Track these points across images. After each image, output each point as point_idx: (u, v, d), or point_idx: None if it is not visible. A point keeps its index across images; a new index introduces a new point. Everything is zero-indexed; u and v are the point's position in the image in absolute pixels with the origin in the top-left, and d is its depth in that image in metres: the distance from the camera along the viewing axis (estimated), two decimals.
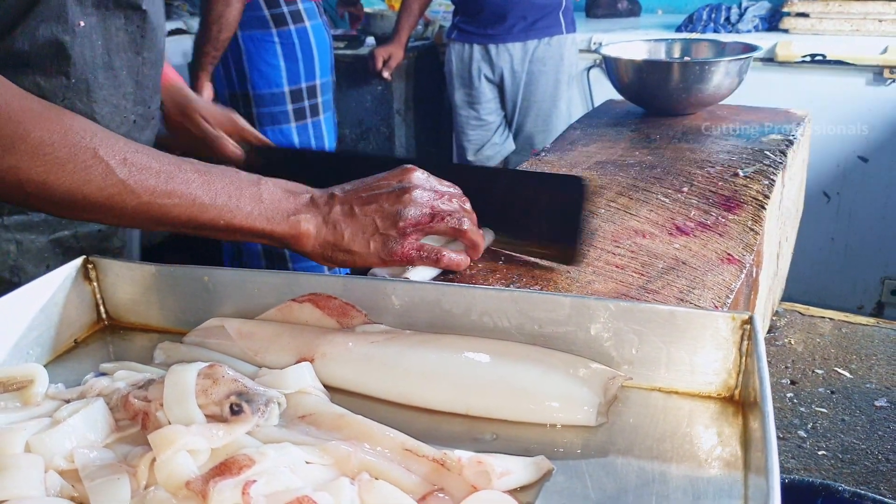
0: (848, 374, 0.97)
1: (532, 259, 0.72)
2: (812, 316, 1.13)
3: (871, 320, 1.12)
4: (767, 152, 1.03)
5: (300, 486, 0.41)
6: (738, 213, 0.85)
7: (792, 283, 1.23)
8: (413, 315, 0.57)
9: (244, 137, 0.93)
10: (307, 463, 0.43)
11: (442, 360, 0.52)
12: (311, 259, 0.65)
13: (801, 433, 0.86)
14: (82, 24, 0.69)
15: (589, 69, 2.53)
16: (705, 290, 0.68)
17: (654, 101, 1.24)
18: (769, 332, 1.09)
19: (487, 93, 2.43)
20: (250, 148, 0.92)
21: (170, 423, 0.46)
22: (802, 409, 0.91)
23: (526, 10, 2.26)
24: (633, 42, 1.35)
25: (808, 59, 2.23)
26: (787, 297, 1.19)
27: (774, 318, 1.12)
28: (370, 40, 2.87)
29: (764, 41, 2.20)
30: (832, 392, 0.94)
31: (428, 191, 0.65)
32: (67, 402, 0.49)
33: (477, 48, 2.37)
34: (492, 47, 2.34)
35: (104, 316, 0.64)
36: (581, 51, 2.45)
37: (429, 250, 0.64)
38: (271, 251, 2.05)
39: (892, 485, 0.77)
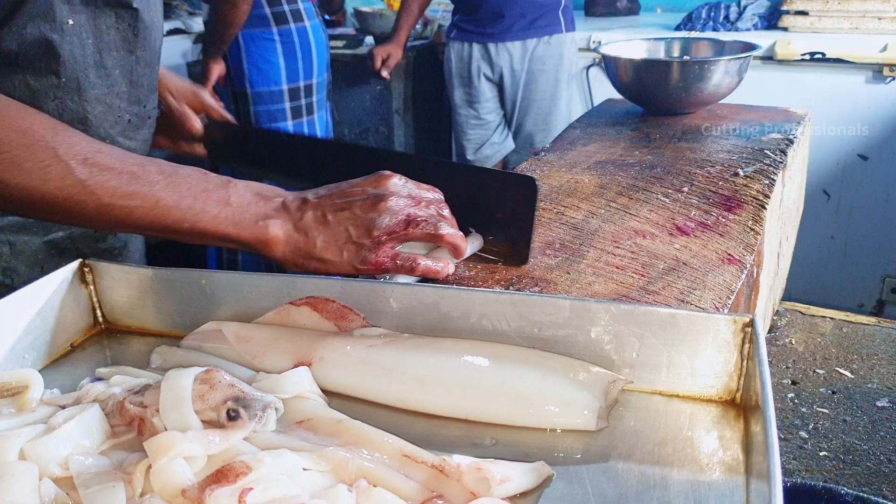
0: (849, 374, 0.97)
1: (484, 255, 0.72)
2: (813, 315, 1.12)
3: (873, 320, 1.11)
4: (768, 151, 1.03)
5: (297, 494, 0.41)
6: (739, 212, 0.85)
7: (792, 281, 1.22)
8: (411, 318, 0.56)
9: (207, 113, 0.94)
10: (304, 469, 0.43)
11: (441, 363, 0.52)
12: (281, 265, 0.64)
13: (803, 434, 0.86)
14: (71, 22, 0.68)
15: (588, 68, 2.53)
16: (706, 291, 0.68)
17: (653, 100, 1.24)
18: (770, 331, 1.09)
19: (487, 92, 2.42)
20: (210, 122, 0.93)
21: (166, 430, 0.45)
22: (804, 409, 0.90)
23: (525, 9, 2.26)
24: (632, 41, 1.34)
25: (807, 57, 2.23)
26: (787, 296, 1.19)
27: (775, 317, 1.12)
28: (369, 40, 2.86)
29: (763, 39, 2.20)
30: (833, 392, 0.93)
31: (404, 198, 0.63)
32: (63, 407, 0.49)
33: (476, 47, 2.36)
34: (491, 46, 2.34)
35: (101, 319, 0.64)
36: (580, 50, 2.44)
37: (404, 258, 0.63)
38: None
39: (895, 486, 0.77)
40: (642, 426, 0.49)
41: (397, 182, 0.65)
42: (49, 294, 0.60)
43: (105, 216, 0.59)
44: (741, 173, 0.95)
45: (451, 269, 0.66)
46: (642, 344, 0.51)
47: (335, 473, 0.43)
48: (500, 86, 2.41)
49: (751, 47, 1.23)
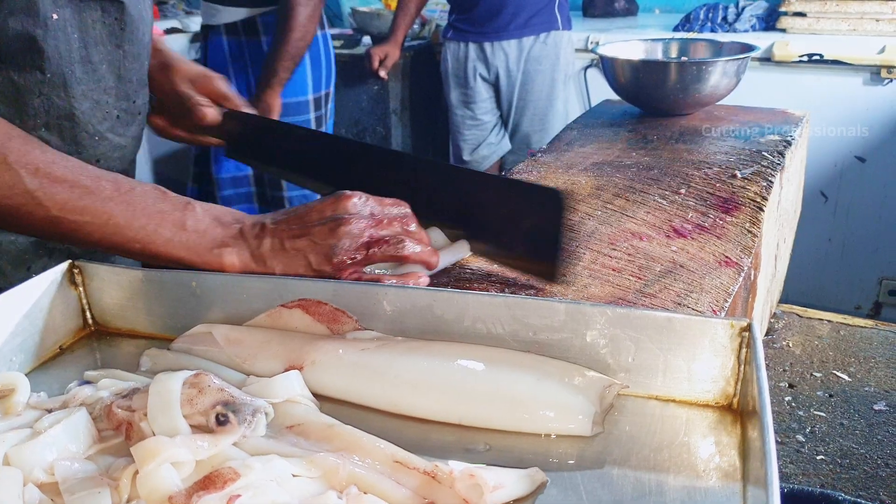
0: (846, 378, 0.96)
1: (507, 272, 0.69)
2: (810, 318, 1.12)
3: (870, 322, 1.11)
4: (765, 153, 1.02)
5: (286, 501, 0.40)
6: (736, 214, 0.84)
7: (789, 283, 1.22)
8: (405, 321, 0.55)
9: (224, 102, 0.86)
10: (294, 476, 0.42)
11: (434, 367, 0.51)
12: None
13: (800, 437, 0.85)
14: (55, 16, 0.66)
15: (586, 69, 2.53)
16: (703, 294, 0.67)
17: (651, 101, 1.23)
18: (767, 334, 1.08)
19: (483, 92, 2.42)
20: (228, 113, 0.85)
21: (154, 434, 0.44)
22: (801, 412, 0.90)
23: (520, 6, 2.25)
24: (630, 42, 1.34)
25: (805, 58, 2.23)
26: (784, 298, 1.18)
27: (772, 320, 1.11)
28: (366, 39, 2.86)
29: (761, 41, 2.20)
30: (830, 395, 0.93)
31: (364, 218, 0.61)
32: (49, 411, 0.48)
33: (472, 47, 2.36)
34: (487, 46, 2.33)
35: (90, 321, 0.63)
36: (578, 50, 2.44)
37: (367, 280, 0.61)
38: None
39: (892, 490, 0.76)
40: (638, 431, 0.48)
41: (357, 202, 0.62)
42: (38, 295, 0.59)
43: (53, 229, 0.57)
44: (739, 175, 0.94)
45: (424, 280, 0.63)
46: (638, 348, 0.51)
47: (325, 480, 0.43)
48: (496, 86, 2.40)
49: (749, 48, 1.23)
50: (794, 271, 1.27)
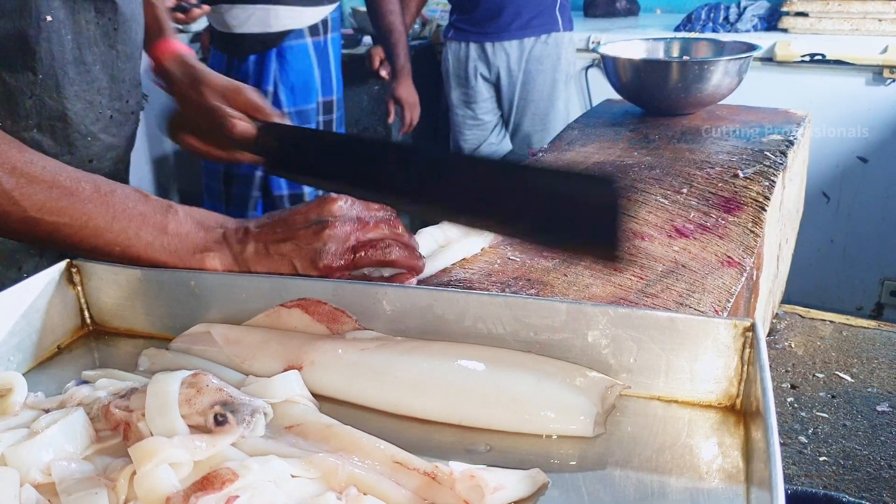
0: (849, 378, 0.96)
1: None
2: (812, 319, 1.11)
3: (872, 323, 1.10)
4: (767, 153, 1.02)
5: (284, 502, 0.40)
6: (738, 214, 0.84)
7: (791, 284, 1.22)
8: (405, 321, 0.55)
9: (257, 114, 0.77)
10: (293, 477, 0.42)
11: (434, 367, 0.51)
12: None
13: (802, 439, 0.85)
14: (49, 18, 0.65)
15: (587, 69, 2.52)
16: (705, 294, 0.67)
17: (652, 100, 1.23)
18: (769, 334, 1.08)
19: (484, 92, 2.41)
20: (263, 126, 0.76)
21: (152, 434, 0.44)
22: (803, 413, 0.89)
23: (521, 7, 2.25)
24: (631, 41, 1.33)
25: (807, 58, 2.22)
26: (786, 299, 1.18)
27: (774, 320, 1.11)
28: (367, 39, 2.85)
29: (763, 41, 2.19)
30: (833, 396, 0.92)
31: (350, 222, 0.60)
32: (46, 411, 0.48)
33: (473, 46, 2.35)
34: (488, 45, 2.33)
35: (88, 321, 0.63)
36: (579, 50, 2.43)
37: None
38: None
39: (895, 492, 0.76)
40: (640, 432, 0.48)
41: (342, 205, 0.61)
42: (35, 295, 0.58)
43: (30, 230, 0.56)
44: (741, 175, 0.94)
45: (411, 284, 0.63)
46: (640, 348, 0.50)
47: (324, 480, 0.42)
48: (496, 86, 2.40)
49: (751, 48, 1.22)
50: (796, 272, 1.27)
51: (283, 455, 0.43)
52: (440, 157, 0.74)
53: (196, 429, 0.45)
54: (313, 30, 1.97)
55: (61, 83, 0.69)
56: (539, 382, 0.49)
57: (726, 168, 0.97)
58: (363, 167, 0.66)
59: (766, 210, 0.85)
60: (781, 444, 0.83)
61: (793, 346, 1.05)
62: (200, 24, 2.42)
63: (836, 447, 0.83)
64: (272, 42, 1.91)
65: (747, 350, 0.48)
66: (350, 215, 0.61)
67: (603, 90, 2.18)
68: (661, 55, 1.33)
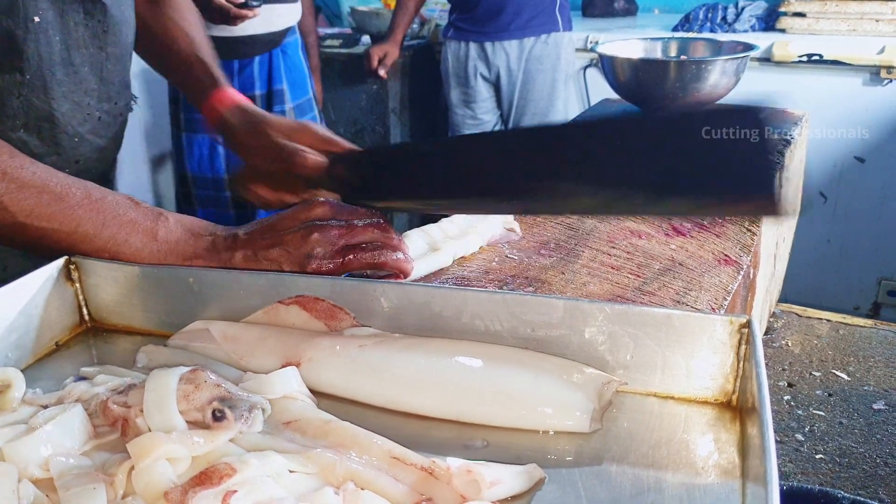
0: (845, 377, 0.96)
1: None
2: (809, 317, 1.12)
3: (869, 322, 1.10)
4: None
5: (283, 497, 0.40)
6: None
7: (788, 283, 1.22)
8: (402, 318, 0.55)
9: (325, 146, 0.73)
10: (291, 472, 0.42)
11: (432, 364, 0.51)
12: None
13: (799, 436, 0.85)
14: (37, 19, 0.65)
15: (585, 68, 2.52)
16: (702, 292, 0.67)
17: (650, 100, 1.23)
18: (766, 333, 1.08)
19: (483, 91, 2.42)
20: (334, 159, 0.71)
21: (150, 430, 0.44)
22: (800, 411, 0.90)
23: (521, 7, 2.25)
24: (629, 41, 1.34)
25: (804, 59, 2.22)
26: (783, 298, 1.18)
27: (771, 319, 1.11)
28: (365, 39, 2.85)
29: (761, 41, 2.19)
30: (830, 395, 0.92)
31: (337, 226, 0.60)
32: (45, 407, 0.48)
33: (473, 46, 2.36)
34: (487, 45, 2.33)
35: (87, 318, 0.63)
36: (577, 50, 2.44)
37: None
38: None
39: (891, 489, 0.76)
40: (636, 428, 0.48)
41: (329, 209, 0.61)
42: (34, 291, 0.58)
43: (19, 235, 0.56)
44: None
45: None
46: (637, 345, 0.51)
47: (322, 476, 0.42)
48: (496, 85, 2.40)
49: (748, 48, 1.23)
50: (793, 272, 1.27)
51: (281, 450, 0.43)
52: (539, 132, 0.61)
53: (194, 424, 0.45)
54: (298, 26, 2.00)
55: (49, 84, 0.69)
56: (536, 379, 0.49)
57: None
58: (470, 168, 0.57)
59: None
60: (778, 442, 0.84)
61: (790, 344, 1.05)
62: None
63: (832, 445, 0.83)
64: (278, 40, 1.92)
65: (743, 346, 0.49)
66: (338, 219, 0.61)
67: (601, 90, 2.18)
68: (658, 55, 1.33)
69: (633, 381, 0.51)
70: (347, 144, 0.73)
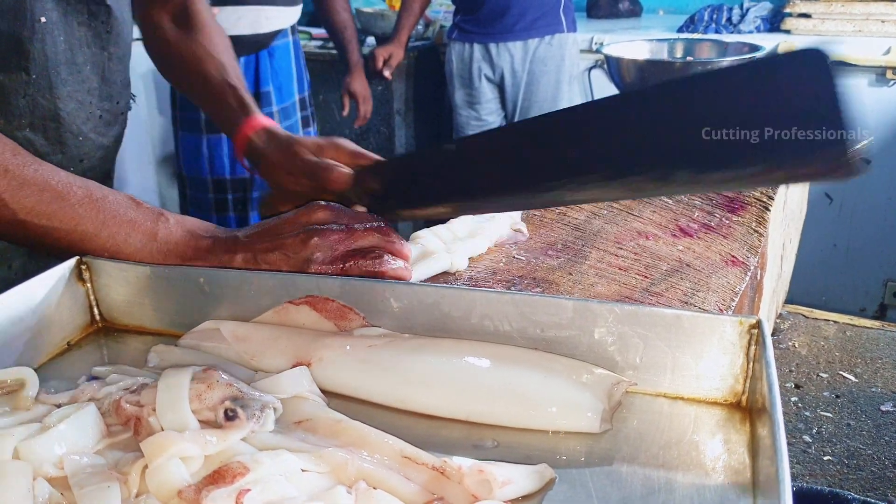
0: (853, 378, 0.96)
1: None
2: (816, 319, 1.12)
3: (876, 323, 1.10)
4: None
5: (295, 495, 0.40)
6: (742, 214, 0.84)
7: (794, 285, 1.22)
8: (412, 318, 0.55)
9: (354, 160, 0.72)
10: (303, 471, 0.42)
11: (441, 364, 0.51)
12: None
13: (807, 438, 0.85)
14: (43, 19, 0.66)
15: (590, 69, 2.52)
16: (710, 293, 0.67)
17: None
18: (773, 334, 1.08)
19: (488, 93, 2.42)
20: (359, 172, 0.70)
21: (162, 429, 0.44)
22: (807, 413, 0.90)
23: (525, 8, 2.25)
24: (635, 42, 1.34)
25: None
26: (789, 299, 1.18)
27: (778, 320, 1.11)
28: (370, 40, 2.86)
29: (766, 42, 2.18)
30: (837, 396, 0.92)
31: (337, 231, 0.60)
32: (58, 406, 0.48)
33: (477, 47, 2.36)
34: (492, 46, 2.33)
35: (98, 318, 0.63)
36: (582, 51, 2.44)
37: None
38: None
39: None
40: (646, 429, 0.48)
41: (330, 213, 0.61)
42: (45, 291, 0.59)
43: (20, 233, 0.57)
44: None
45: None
46: (646, 345, 0.51)
47: (334, 475, 0.43)
48: (500, 87, 2.40)
49: (754, 49, 1.23)
50: (799, 273, 1.27)
51: (293, 450, 0.43)
52: (574, 113, 0.54)
53: (206, 424, 0.45)
54: (293, 28, 2.00)
55: (54, 83, 0.69)
56: (546, 379, 0.50)
57: None
58: (498, 162, 0.55)
59: (769, 210, 0.86)
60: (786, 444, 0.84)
61: (797, 345, 1.05)
62: None
63: (840, 446, 0.83)
64: (266, 42, 1.93)
65: (753, 347, 0.49)
66: (339, 223, 0.61)
67: (605, 91, 2.18)
68: (664, 56, 1.33)
69: (643, 382, 0.51)
70: (376, 157, 0.72)
